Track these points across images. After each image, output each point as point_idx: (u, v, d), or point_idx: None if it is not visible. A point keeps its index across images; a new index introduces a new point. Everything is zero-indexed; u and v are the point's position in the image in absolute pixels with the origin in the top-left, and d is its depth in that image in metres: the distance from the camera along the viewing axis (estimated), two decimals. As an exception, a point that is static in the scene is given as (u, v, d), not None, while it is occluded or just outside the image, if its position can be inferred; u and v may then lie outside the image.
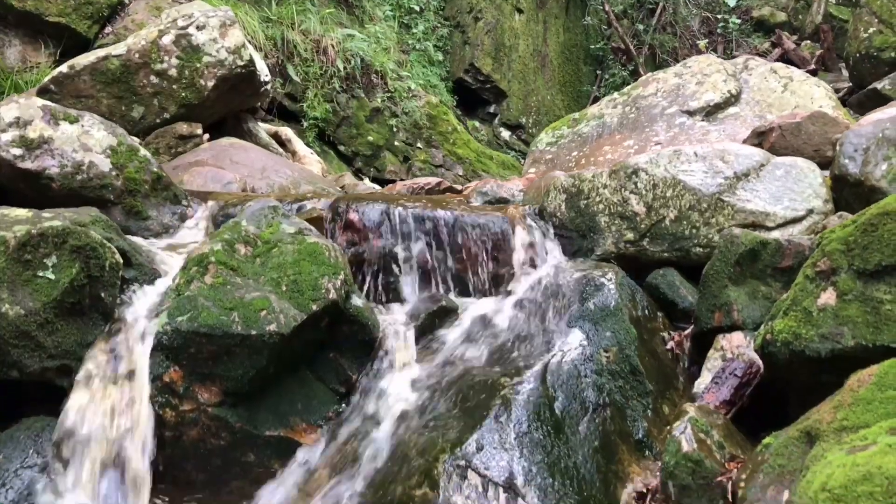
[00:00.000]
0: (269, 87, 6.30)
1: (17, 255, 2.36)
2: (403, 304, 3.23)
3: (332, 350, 2.91)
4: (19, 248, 2.36)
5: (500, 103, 10.86)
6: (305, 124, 7.88)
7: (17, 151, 3.28)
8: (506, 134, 10.82)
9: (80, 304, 2.47)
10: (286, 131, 6.90)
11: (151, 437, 2.44)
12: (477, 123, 10.70)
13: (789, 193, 3.05)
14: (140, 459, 2.41)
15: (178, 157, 5.22)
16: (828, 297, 2.19)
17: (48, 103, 3.44)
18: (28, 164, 3.29)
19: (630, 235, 3.15)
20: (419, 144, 8.75)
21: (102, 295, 2.52)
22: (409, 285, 3.25)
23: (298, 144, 6.84)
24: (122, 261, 2.61)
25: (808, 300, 2.22)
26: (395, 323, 3.05)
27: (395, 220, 3.28)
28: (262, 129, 6.54)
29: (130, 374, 2.46)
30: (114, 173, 3.46)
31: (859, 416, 1.89)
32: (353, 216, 3.29)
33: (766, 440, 2.11)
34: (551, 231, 3.29)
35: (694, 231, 3.06)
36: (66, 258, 2.44)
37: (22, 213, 2.56)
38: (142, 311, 2.63)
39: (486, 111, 10.90)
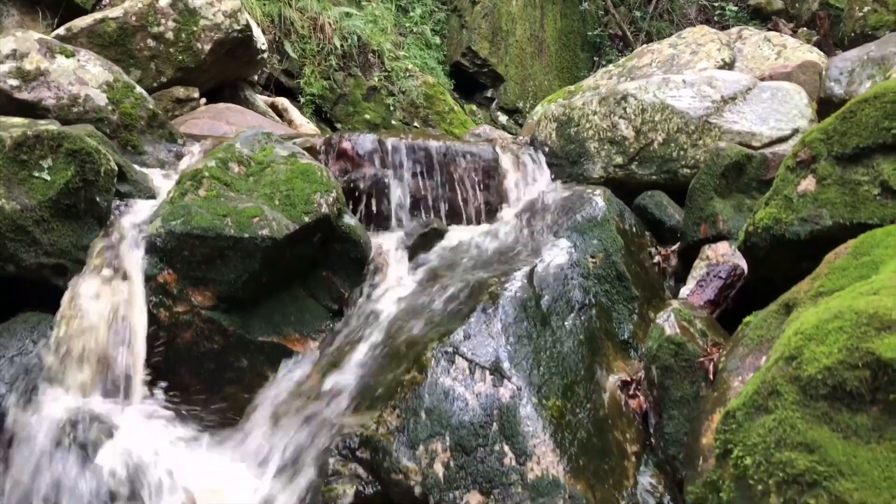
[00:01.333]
0: (265, 55, 6.33)
1: (13, 155, 2.41)
2: (395, 230, 3.28)
3: (325, 269, 2.96)
4: (15, 147, 2.41)
5: (497, 88, 10.87)
6: (302, 100, 7.91)
7: (14, 82, 3.32)
8: (503, 118, 10.84)
9: (75, 207, 2.51)
10: (283, 101, 6.95)
11: (144, 336, 2.47)
12: (474, 107, 10.72)
13: (775, 114, 3.09)
14: (132, 358, 2.45)
15: (175, 119, 5.26)
16: (807, 183, 2.23)
17: (45, 37, 3.48)
18: (25, 95, 3.33)
19: (619, 160, 3.20)
20: (416, 123, 8.77)
21: (97, 199, 2.56)
22: (400, 212, 3.29)
23: (295, 114, 6.88)
24: (116, 169, 2.66)
25: (789, 188, 2.27)
26: (386, 244, 3.10)
27: (388, 149, 3.33)
28: (259, 99, 6.59)
29: (125, 275, 2.50)
30: (109, 108, 3.50)
31: (835, 282, 1.93)
32: (346, 145, 3.34)
33: (747, 318, 2.16)
34: (542, 159, 3.33)
35: (682, 153, 3.11)
36: (62, 161, 2.49)
37: (18, 120, 2.60)
38: (137, 219, 2.67)
39: (484, 95, 10.92)
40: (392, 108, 8.55)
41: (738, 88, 3.17)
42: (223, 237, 2.55)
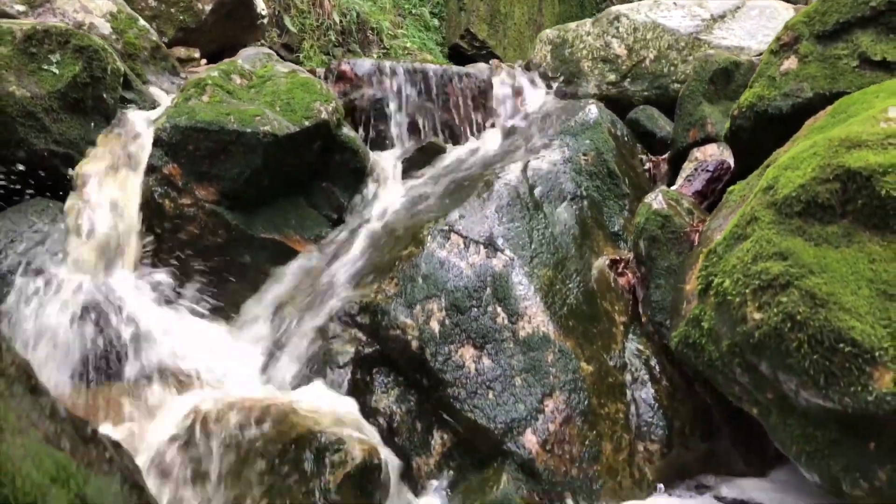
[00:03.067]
0: (265, 20, 6.41)
1: (22, 47, 2.49)
2: (394, 148, 3.35)
3: (325, 179, 3.04)
4: (25, 39, 2.49)
5: (495, 70, 10.89)
6: (302, 73, 7.96)
7: (20, 7, 3.40)
8: (502, 100, 10.86)
9: (83, 102, 2.60)
10: (283, 68, 7.01)
11: (140, 220, 2.55)
12: (473, 89, 10.75)
13: (763, 30, 3.18)
14: (136, 242, 2.53)
15: (177, 77, 5.34)
16: (790, 63, 2.31)
17: (51, -35, 3.57)
18: (31, 20, 3.41)
19: (612, 77, 3.28)
20: (415, 100, 8.81)
21: (104, 96, 2.65)
22: (399, 132, 3.37)
23: (295, 79, 6.95)
24: (122, 69, 2.74)
25: (772, 69, 2.35)
26: (386, 159, 3.18)
27: (387, 71, 3.41)
28: (260, 65, 6.65)
29: (131, 165, 2.58)
30: (114, 37, 3.58)
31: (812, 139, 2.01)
32: (346, 67, 3.42)
33: (731, 188, 2.23)
34: (537, 79, 3.41)
35: (672, 69, 3.19)
36: (70, 56, 2.57)
37: (26, 20, 2.68)
38: (142, 120, 2.75)
39: (482, 78, 10.93)
40: (391, 84, 8.58)
41: (727, 7, 3.25)
42: (226, 131, 2.63)
